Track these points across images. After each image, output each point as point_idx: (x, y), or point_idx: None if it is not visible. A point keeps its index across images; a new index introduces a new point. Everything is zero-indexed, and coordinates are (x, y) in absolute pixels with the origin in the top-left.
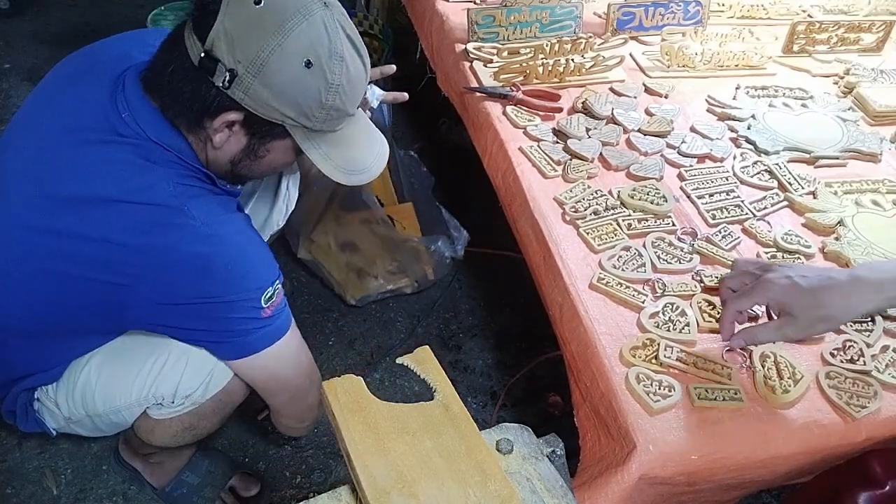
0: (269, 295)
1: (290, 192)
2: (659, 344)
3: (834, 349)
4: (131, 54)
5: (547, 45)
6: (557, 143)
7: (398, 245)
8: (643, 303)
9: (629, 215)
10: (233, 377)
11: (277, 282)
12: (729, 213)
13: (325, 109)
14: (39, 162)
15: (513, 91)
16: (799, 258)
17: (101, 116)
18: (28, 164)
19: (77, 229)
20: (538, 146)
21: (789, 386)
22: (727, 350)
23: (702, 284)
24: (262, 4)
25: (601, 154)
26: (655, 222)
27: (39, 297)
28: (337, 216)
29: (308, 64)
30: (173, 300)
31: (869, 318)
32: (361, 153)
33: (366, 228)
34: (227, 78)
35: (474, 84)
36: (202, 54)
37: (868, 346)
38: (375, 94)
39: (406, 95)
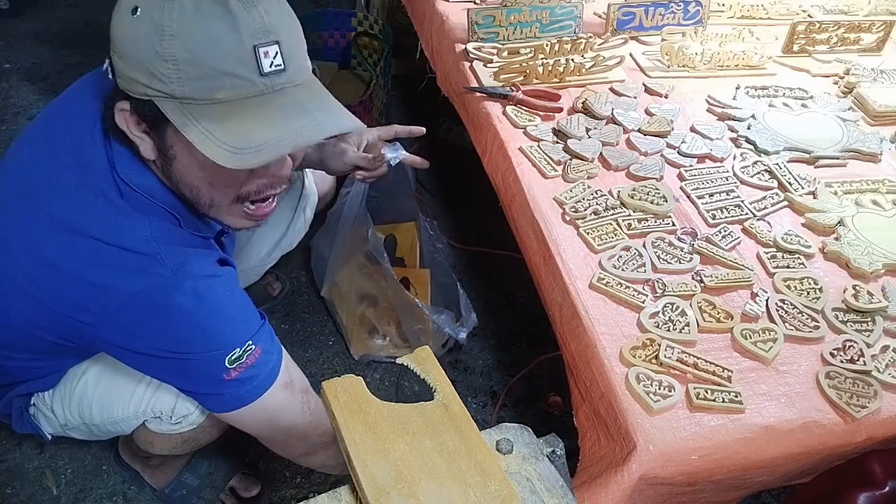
0: (234, 356)
1: (305, 213)
2: (659, 344)
3: (834, 349)
4: None
5: (547, 45)
6: (557, 143)
7: (407, 310)
8: (643, 303)
9: (629, 215)
10: None
11: (250, 342)
12: (729, 213)
13: (169, 63)
14: (34, 180)
15: (513, 91)
16: (799, 258)
17: (93, 146)
18: (22, 181)
19: (51, 257)
20: (538, 146)
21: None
22: None
23: (702, 284)
24: None
25: (601, 154)
26: (655, 222)
27: (21, 317)
28: (361, 265)
29: (134, 10)
30: (134, 348)
31: (869, 318)
32: (262, 129)
33: (386, 285)
34: (111, 71)
35: (474, 84)
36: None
37: (868, 346)
38: (399, 154)
39: (426, 163)
